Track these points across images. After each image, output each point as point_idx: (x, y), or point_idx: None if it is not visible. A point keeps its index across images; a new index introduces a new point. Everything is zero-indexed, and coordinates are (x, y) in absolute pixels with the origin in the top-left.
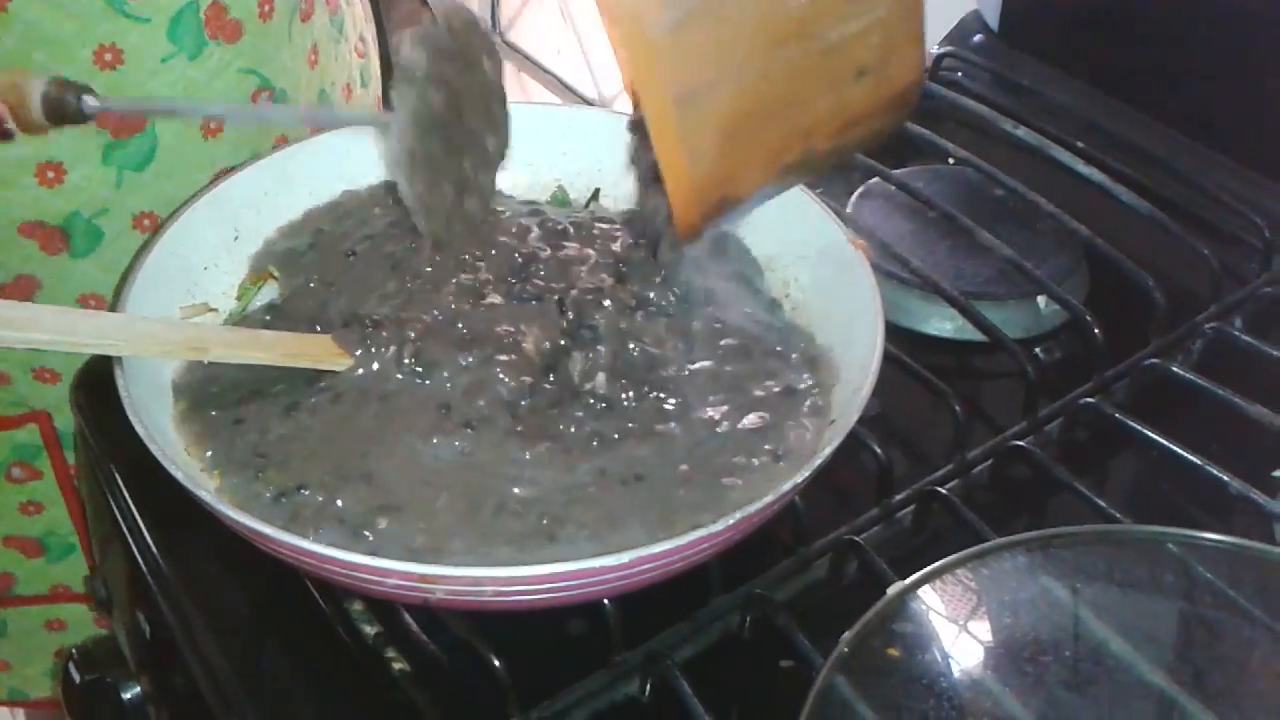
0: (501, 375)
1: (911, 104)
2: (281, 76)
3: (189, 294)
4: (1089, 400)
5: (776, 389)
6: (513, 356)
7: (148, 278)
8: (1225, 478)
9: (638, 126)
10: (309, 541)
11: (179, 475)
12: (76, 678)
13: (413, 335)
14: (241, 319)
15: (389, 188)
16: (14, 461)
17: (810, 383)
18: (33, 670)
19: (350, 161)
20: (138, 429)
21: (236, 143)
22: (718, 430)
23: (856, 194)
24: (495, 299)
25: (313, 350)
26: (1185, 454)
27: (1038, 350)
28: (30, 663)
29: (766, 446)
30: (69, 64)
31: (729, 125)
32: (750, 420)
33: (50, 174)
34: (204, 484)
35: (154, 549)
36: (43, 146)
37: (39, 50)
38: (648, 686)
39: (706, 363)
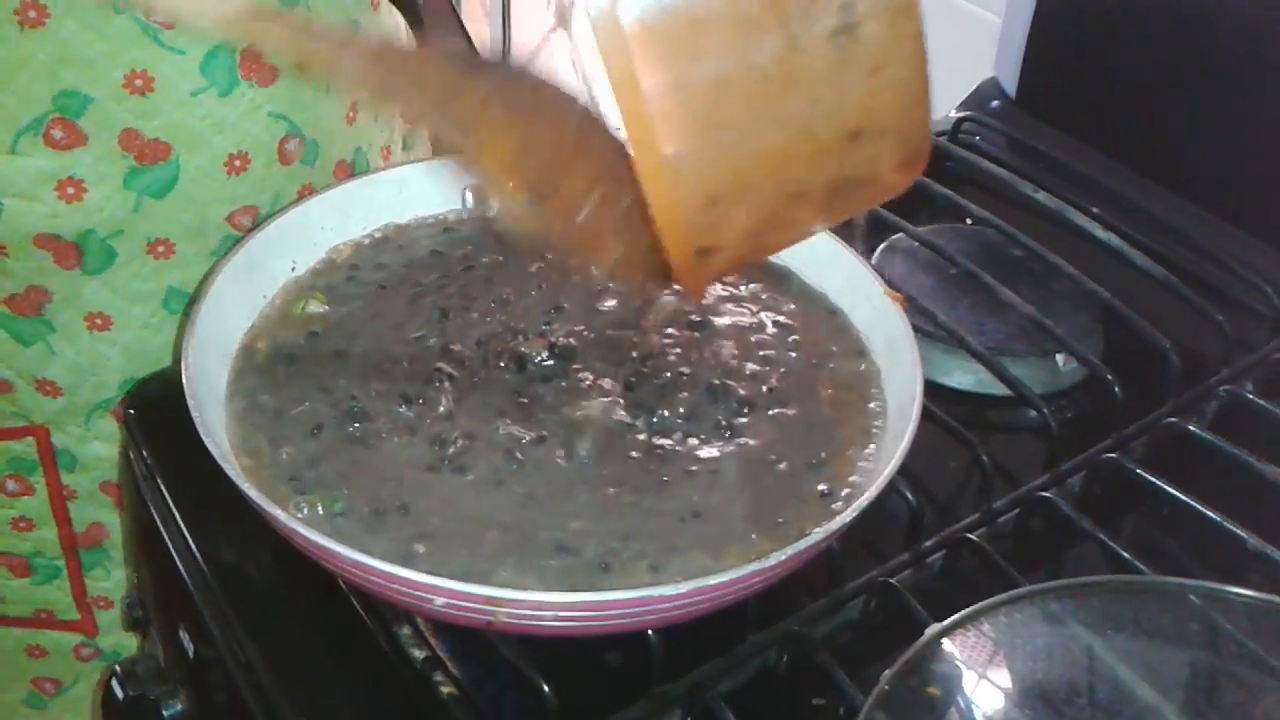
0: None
1: (913, 172)
2: (313, 127)
3: (248, 320)
4: (1110, 455)
5: (824, 430)
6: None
7: (210, 307)
8: (1243, 534)
9: None
10: (383, 562)
11: (252, 494)
12: (120, 694)
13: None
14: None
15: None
16: (9, 474)
17: (853, 426)
18: (9, 697)
19: (403, 197)
20: (211, 449)
21: (259, 182)
22: (775, 468)
23: (880, 248)
24: (537, 356)
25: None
26: (1204, 510)
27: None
28: (6, 689)
29: (819, 487)
30: (98, 85)
31: (719, 176)
32: (803, 458)
33: (70, 190)
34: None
35: (204, 568)
36: (65, 163)
37: (70, 69)
38: (688, 718)
39: (765, 404)
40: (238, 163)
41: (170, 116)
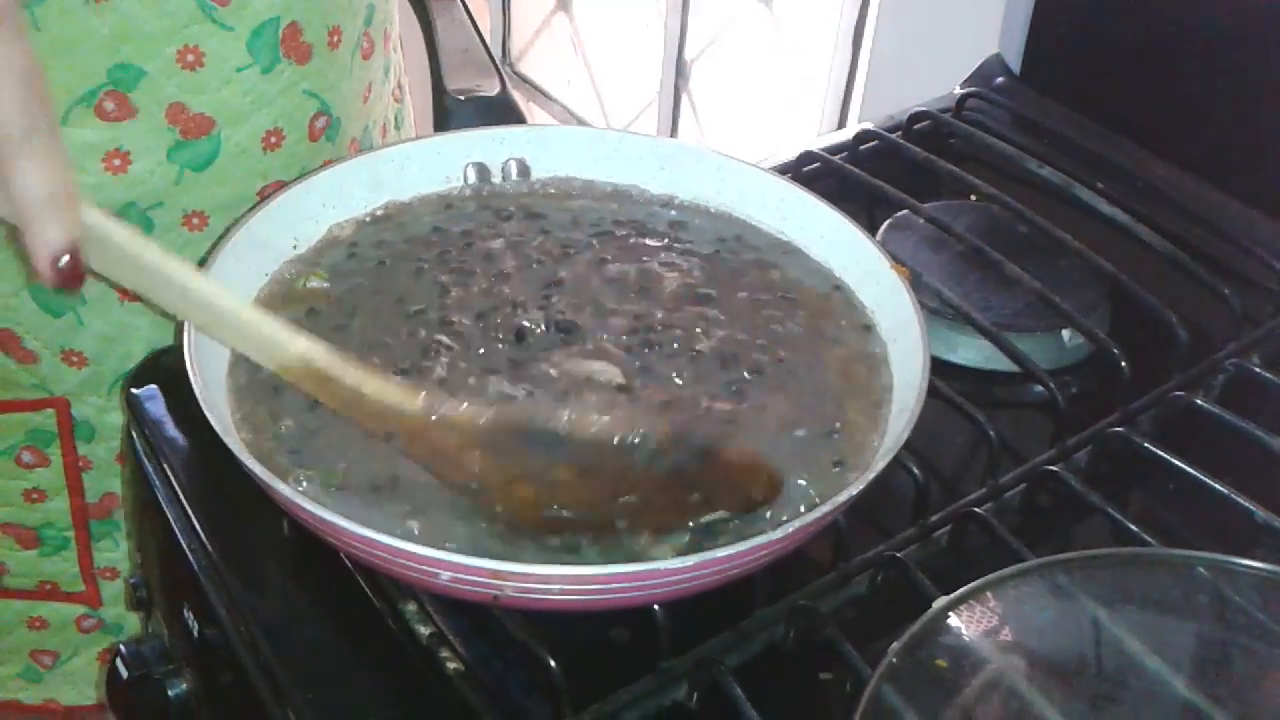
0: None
1: None
2: (339, 106)
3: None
4: (1118, 430)
5: (829, 404)
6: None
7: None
8: (1251, 507)
9: None
10: (388, 536)
11: (254, 467)
12: (124, 674)
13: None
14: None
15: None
16: (25, 446)
17: (858, 401)
18: (6, 670)
19: (404, 174)
20: (213, 422)
21: (289, 159)
22: (780, 442)
23: (886, 225)
24: (537, 329)
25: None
26: (1212, 483)
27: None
28: (5, 661)
29: (828, 460)
30: (153, 59)
31: None
32: (809, 432)
33: (117, 161)
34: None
35: (207, 547)
36: (113, 135)
37: (128, 43)
38: (696, 693)
39: (771, 378)
40: (274, 139)
41: (216, 92)
